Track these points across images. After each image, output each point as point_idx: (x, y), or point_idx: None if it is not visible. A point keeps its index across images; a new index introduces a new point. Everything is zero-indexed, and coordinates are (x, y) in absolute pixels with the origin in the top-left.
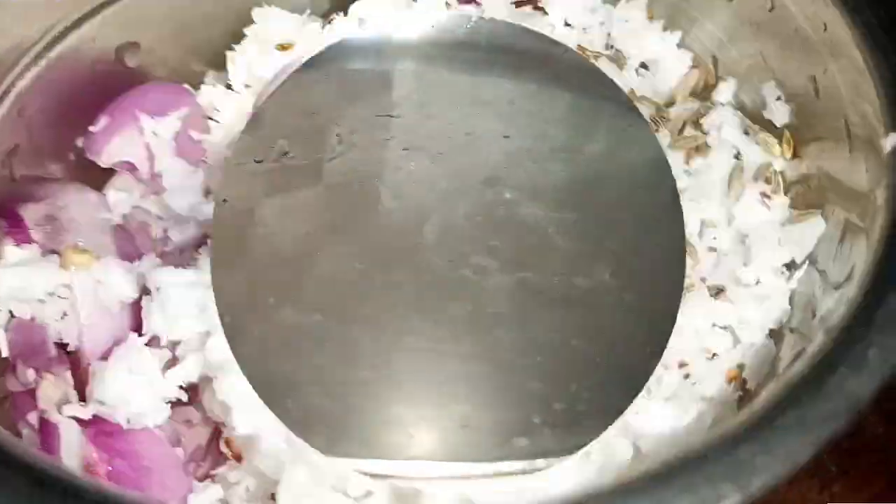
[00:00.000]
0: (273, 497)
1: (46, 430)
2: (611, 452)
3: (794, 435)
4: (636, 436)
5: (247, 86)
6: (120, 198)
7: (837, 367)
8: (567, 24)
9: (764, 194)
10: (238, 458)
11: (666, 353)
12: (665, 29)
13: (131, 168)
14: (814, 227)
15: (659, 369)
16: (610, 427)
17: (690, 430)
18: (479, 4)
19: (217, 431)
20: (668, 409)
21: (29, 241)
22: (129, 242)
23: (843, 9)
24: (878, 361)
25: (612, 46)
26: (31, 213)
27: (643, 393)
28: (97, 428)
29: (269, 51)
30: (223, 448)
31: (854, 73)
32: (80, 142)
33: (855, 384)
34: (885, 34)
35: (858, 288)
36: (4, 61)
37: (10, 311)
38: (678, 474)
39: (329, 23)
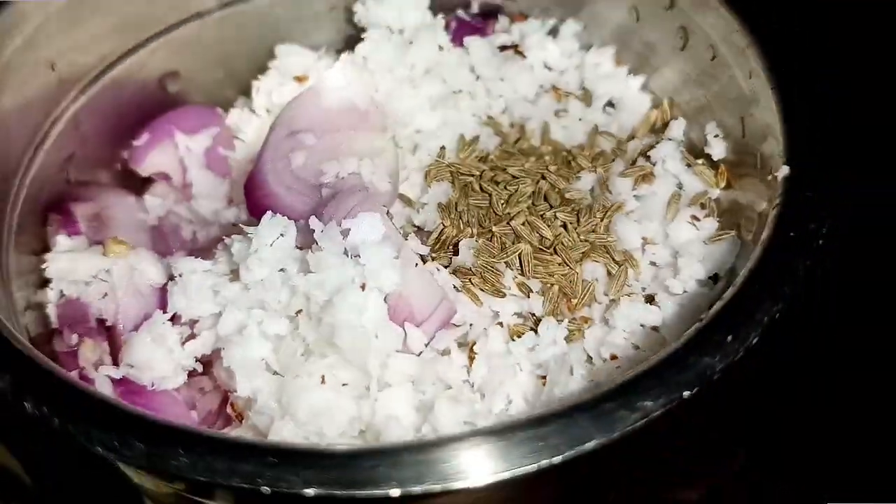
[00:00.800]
0: None
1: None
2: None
3: (652, 396)
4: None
5: (268, 111)
6: (155, 202)
7: (699, 348)
8: (546, 67)
9: (694, 217)
10: (240, 418)
11: (601, 348)
12: (630, 73)
13: (166, 177)
14: (731, 244)
15: (596, 362)
16: None
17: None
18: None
19: (225, 398)
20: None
21: (78, 232)
22: (162, 241)
23: (764, 61)
24: (732, 345)
25: (583, 88)
26: (81, 210)
27: (573, 375)
28: (126, 387)
29: (287, 81)
30: (229, 411)
31: (768, 115)
32: (125, 154)
33: (706, 365)
34: (795, 83)
35: (736, 287)
36: (67, 83)
37: (61, 290)
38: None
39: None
